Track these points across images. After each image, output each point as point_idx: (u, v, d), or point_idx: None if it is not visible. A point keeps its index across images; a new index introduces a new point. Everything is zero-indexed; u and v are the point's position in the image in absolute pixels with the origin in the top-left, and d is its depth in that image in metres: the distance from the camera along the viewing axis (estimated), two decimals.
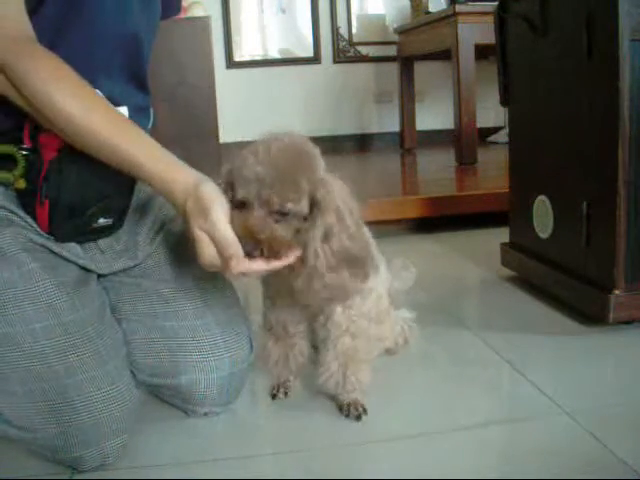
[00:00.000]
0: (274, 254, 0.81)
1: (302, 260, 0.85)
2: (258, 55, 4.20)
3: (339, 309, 0.99)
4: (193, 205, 0.81)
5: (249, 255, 0.80)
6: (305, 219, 0.85)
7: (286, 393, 1.10)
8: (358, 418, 1.01)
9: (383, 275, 1.13)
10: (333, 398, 1.06)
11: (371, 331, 1.03)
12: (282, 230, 0.82)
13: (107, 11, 0.93)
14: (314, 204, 0.85)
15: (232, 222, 0.81)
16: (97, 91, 0.91)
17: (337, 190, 0.86)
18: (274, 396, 1.09)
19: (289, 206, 0.82)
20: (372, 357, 1.06)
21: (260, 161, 0.82)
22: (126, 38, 0.97)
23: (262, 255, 0.81)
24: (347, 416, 1.01)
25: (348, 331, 1.00)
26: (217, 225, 0.80)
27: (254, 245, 0.80)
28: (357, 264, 0.87)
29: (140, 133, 0.87)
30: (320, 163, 0.87)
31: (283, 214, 0.83)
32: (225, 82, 3.73)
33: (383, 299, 1.12)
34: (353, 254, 0.86)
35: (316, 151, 0.88)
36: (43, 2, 0.88)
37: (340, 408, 1.03)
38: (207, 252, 0.81)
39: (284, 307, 1.03)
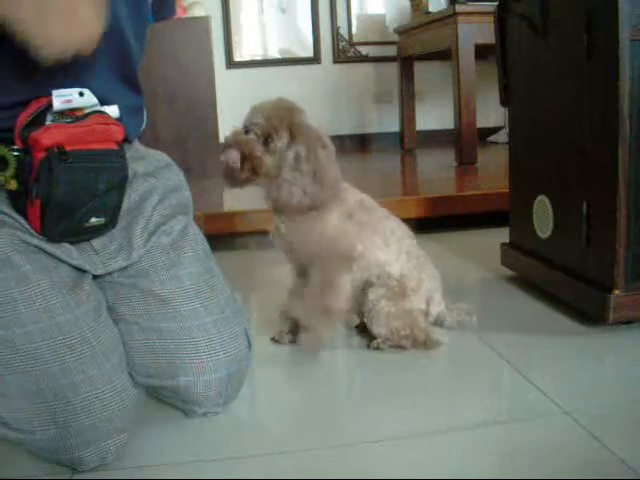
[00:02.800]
0: (249, 162, 1.14)
1: (275, 176, 1.17)
2: (258, 55, 4.21)
3: (315, 262, 1.21)
4: None
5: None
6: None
7: (277, 341, 1.32)
8: (274, 340, 1.31)
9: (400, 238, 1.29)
10: (332, 398, 1.05)
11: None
12: (263, 151, 1.15)
13: None
14: (292, 137, 1.16)
15: (232, 136, 1.15)
16: (87, 91, 0.91)
17: (310, 131, 1.17)
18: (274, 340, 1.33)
19: (272, 136, 1.15)
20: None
21: (260, 108, 1.18)
22: (110, 31, 0.97)
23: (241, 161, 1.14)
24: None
25: (322, 281, 1.20)
26: None
27: (236, 150, 1.14)
28: (323, 184, 1.15)
29: None
30: (301, 115, 1.19)
31: (267, 143, 1.15)
32: (225, 82, 3.73)
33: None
34: (317, 172, 1.15)
35: (299, 107, 1.20)
36: None
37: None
38: None
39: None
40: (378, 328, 1.24)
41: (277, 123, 1.15)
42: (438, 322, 1.33)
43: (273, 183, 1.17)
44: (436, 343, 1.26)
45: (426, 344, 1.25)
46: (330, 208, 1.20)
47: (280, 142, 1.15)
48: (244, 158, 1.14)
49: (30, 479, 0.89)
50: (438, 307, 1.32)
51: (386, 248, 1.25)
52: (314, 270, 1.21)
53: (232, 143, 1.15)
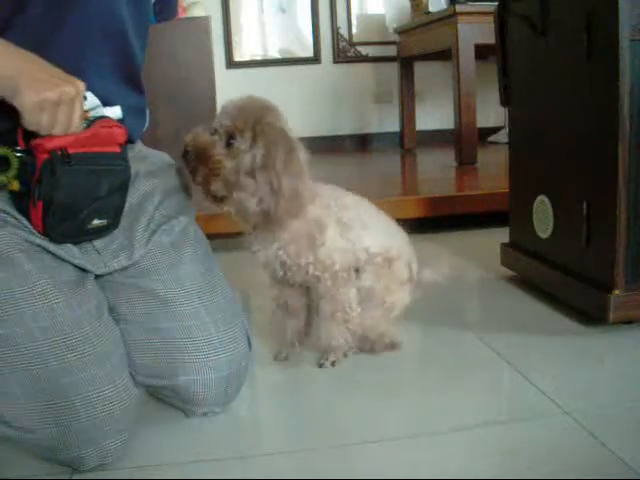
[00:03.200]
0: (204, 165, 1.03)
1: (234, 184, 1.04)
2: (258, 55, 4.21)
3: (316, 283, 1.15)
4: None
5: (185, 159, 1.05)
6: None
7: (286, 358, 1.25)
8: (320, 366, 1.19)
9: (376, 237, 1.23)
10: (332, 398, 1.05)
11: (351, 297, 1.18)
12: (223, 151, 1.04)
13: (95, 8, 0.93)
14: (253, 140, 1.03)
15: (190, 137, 1.05)
16: (90, 93, 0.92)
17: (276, 133, 1.04)
18: (275, 357, 1.25)
19: (235, 137, 1.04)
20: (350, 322, 1.19)
21: (227, 107, 1.07)
22: (113, 33, 0.97)
23: (190, 160, 1.04)
24: (320, 366, 1.19)
25: (326, 298, 1.16)
26: None
27: (189, 155, 1.04)
28: (275, 192, 1.02)
29: None
30: (273, 115, 1.07)
31: (230, 144, 1.04)
32: (225, 82, 3.72)
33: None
34: (272, 182, 1.02)
35: (271, 106, 1.09)
36: (26, 3, 0.88)
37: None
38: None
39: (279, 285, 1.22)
40: (372, 309, 1.22)
41: (242, 123, 1.04)
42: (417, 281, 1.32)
43: (233, 193, 1.05)
44: (398, 345, 1.26)
45: (393, 347, 1.26)
46: (324, 223, 1.13)
47: (243, 144, 1.03)
48: (198, 161, 1.04)
49: (30, 479, 0.89)
50: (416, 267, 1.30)
51: (366, 231, 1.22)
52: (315, 290, 1.17)
53: (188, 145, 1.04)
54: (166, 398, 1.05)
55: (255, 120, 1.04)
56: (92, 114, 0.93)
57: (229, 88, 3.83)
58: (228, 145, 1.04)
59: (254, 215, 1.05)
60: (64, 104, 0.84)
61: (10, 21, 0.89)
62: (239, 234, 1.18)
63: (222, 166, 1.04)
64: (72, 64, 0.90)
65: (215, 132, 1.06)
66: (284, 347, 1.25)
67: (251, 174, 1.03)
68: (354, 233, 1.19)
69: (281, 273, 1.16)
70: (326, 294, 1.16)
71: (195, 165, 1.04)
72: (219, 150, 1.04)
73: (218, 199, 1.08)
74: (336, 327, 1.18)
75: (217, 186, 1.05)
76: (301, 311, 1.25)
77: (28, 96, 0.82)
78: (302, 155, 1.07)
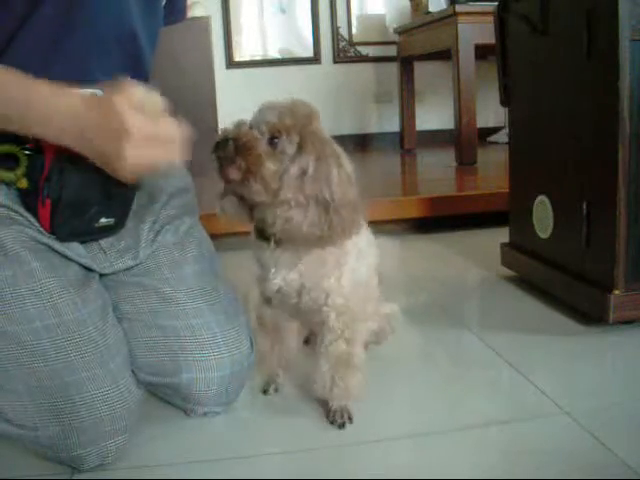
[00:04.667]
0: (244, 158, 0.90)
1: (276, 192, 0.91)
2: (258, 55, 4.20)
3: (333, 315, 1.00)
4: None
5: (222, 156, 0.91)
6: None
7: (277, 389, 1.13)
8: (341, 426, 0.99)
9: (371, 250, 1.11)
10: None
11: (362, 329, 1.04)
12: (266, 149, 0.91)
13: (107, 10, 0.93)
14: (300, 146, 0.92)
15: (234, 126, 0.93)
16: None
17: (324, 144, 0.94)
18: (265, 391, 1.12)
19: (282, 136, 0.92)
20: (362, 362, 1.03)
21: (272, 105, 0.96)
22: (125, 37, 0.98)
23: (233, 160, 0.90)
24: (332, 423, 1.00)
25: (342, 336, 1.00)
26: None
27: (229, 146, 0.90)
28: (329, 209, 0.91)
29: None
30: (318, 123, 0.97)
31: (273, 143, 0.92)
32: (225, 82, 3.73)
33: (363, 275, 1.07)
34: (325, 198, 0.91)
35: (315, 110, 0.98)
36: (40, 4, 0.88)
37: (327, 414, 1.02)
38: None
39: (279, 310, 1.08)
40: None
41: (290, 123, 0.92)
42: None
43: (273, 204, 0.91)
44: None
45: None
46: (346, 244, 0.99)
47: (289, 148, 0.92)
48: (239, 153, 0.90)
49: (30, 479, 0.89)
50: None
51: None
52: (327, 325, 1.01)
53: (230, 135, 0.91)
54: (166, 397, 1.06)
55: (303, 124, 0.93)
56: None
57: (229, 88, 3.85)
58: (271, 144, 0.92)
59: (305, 236, 0.91)
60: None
61: (24, 22, 0.88)
62: (239, 234, 1.17)
63: (262, 164, 0.90)
64: (83, 64, 0.90)
65: (252, 128, 0.93)
66: (271, 378, 1.13)
67: (300, 188, 0.91)
68: (365, 263, 1.06)
69: (295, 300, 1.01)
70: (342, 330, 1.00)
71: (234, 158, 0.90)
72: (262, 147, 0.91)
73: (252, 204, 0.95)
74: (352, 373, 1.00)
75: (256, 188, 0.90)
76: (294, 334, 1.13)
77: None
78: (348, 166, 0.98)
